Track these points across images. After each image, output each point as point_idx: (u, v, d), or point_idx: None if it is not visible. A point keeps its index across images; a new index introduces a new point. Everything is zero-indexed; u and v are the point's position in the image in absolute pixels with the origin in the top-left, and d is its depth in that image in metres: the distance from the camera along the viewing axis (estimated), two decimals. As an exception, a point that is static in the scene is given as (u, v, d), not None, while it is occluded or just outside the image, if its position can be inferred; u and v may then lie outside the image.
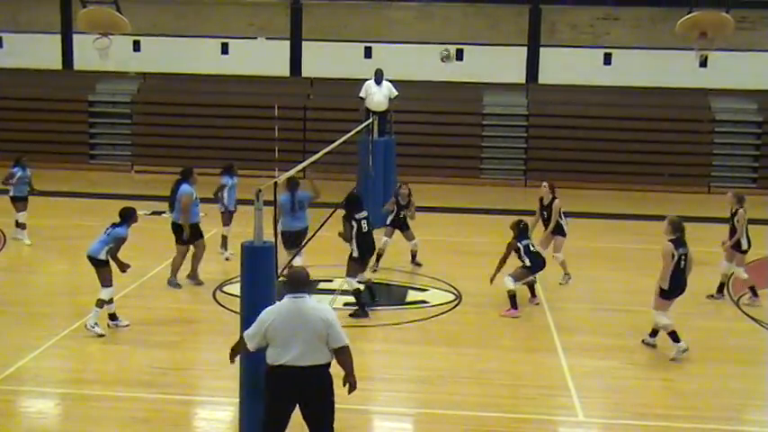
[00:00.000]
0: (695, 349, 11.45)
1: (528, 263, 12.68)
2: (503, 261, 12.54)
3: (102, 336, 11.26)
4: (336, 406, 9.38)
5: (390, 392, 10.03)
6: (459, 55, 25.71)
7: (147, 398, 9.54)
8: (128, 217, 11.45)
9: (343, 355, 7.38)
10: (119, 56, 23.76)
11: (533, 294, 13.14)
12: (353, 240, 12.62)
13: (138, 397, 9.55)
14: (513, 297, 12.50)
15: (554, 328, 12.10)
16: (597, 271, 15.14)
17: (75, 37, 26.17)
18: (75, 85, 26.57)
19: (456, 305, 13.10)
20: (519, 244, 12.63)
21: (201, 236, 13.80)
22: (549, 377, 10.39)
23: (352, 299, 13.12)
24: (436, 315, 12.63)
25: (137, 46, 26.36)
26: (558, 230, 14.25)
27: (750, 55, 24.87)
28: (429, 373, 10.40)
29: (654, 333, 11.34)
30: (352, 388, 7.52)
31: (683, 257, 10.94)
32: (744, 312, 13.10)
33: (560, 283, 14.33)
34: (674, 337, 10.98)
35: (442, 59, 18.15)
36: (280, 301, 7.41)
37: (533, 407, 9.55)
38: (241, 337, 7.50)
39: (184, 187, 13.46)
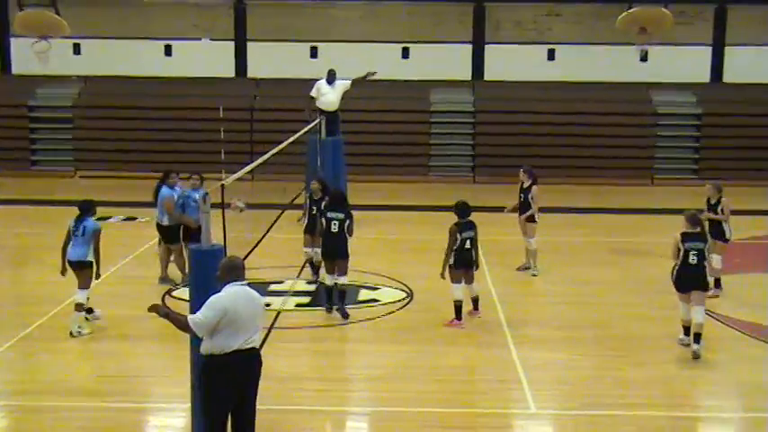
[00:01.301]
0: (644, 338, 11.67)
1: (452, 260, 11.98)
2: (449, 252, 12.01)
3: (90, 333, 11.41)
4: (293, 407, 9.38)
5: (345, 392, 10.04)
6: (405, 53, 25.79)
7: (95, 407, 9.40)
8: (90, 207, 11.58)
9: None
10: (59, 59, 23.39)
11: (475, 308, 12.39)
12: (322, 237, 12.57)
13: (86, 406, 9.40)
14: (458, 308, 12.01)
15: (505, 323, 12.20)
16: (545, 264, 15.27)
17: (13, 41, 25.73)
18: (14, 90, 26.08)
19: (408, 303, 13.14)
20: (459, 236, 11.90)
21: (179, 239, 13.78)
22: (501, 371, 10.48)
23: (303, 300, 13.13)
24: (388, 313, 12.65)
25: (77, 49, 25.97)
26: (530, 217, 14.57)
27: (689, 49, 25.34)
28: (383, 372, 10.43)
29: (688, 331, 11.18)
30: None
31: (692, 252, 10.88)
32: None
33: (533, 275, 14.63)
34: (686, 330, 11.13)
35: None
36: (223, 289, 7.35)
37: (487, 401, 9.64)
38: (176, 320, 7.31)
39: (164, 191, 13.67)
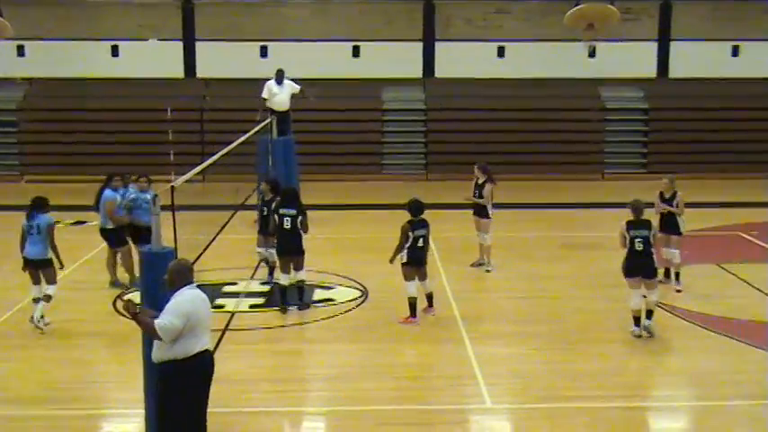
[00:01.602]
0: (597, 331, 11.81)
1: (405, 258, 11.96)
2: (399, 249, 12.00)
3: (47, 324, 11.50)
4: (248, 409, 9.34)
5: (301, 392, 10.01)
6: (356, 51, 25.77)
7: (47, 415, 9.25)
8: (43, 203, 11.60)
9: None
10: (2, 62, 22.99)
11: (430, 305, 12.36)
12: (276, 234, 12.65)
13: (38, 415, 9.24)
14: (411, 305, 12.05)
15: (460, 319, 12.27)
16: (499, 260, 15.38)
17: (-44, 44, 25.21)
18: (-43, 94, 25.59)
19: (363, 301, 13.14)
20: (410, 234, 11.90)
21: (127, 242, 13.63)
22: (456, 367, 10.53)
23: (257, 301, 13.08)
24: (343, 312, 12.65)
25: (21, 51, 25.49)
26: (484, 213, 14.65)
27: (635, 45, 25.68)
28: (339, 371, 10.42)
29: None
30: None
31: (637, 239, 11.21)
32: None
33: (487, 271, 14.74)
34: (636, 320, 11.40)
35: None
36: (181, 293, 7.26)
37: (443, 397, 9.69)
38: (144, 323, 7.21)
39: (106, 193, 13.54)
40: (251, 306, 12.90)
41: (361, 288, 13.70)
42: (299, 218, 12.42)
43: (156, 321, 7.10)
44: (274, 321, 12.27)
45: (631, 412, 9.39)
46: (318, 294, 13.47)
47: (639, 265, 11.29)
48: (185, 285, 7.28)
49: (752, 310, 12.76)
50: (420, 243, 11.98)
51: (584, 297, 13.43)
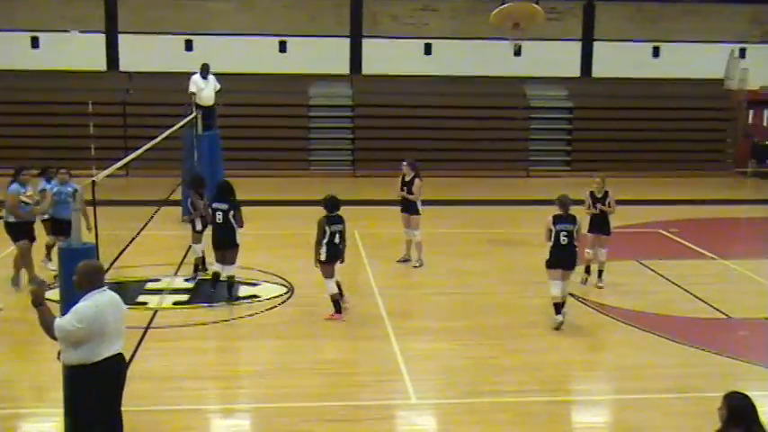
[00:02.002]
0: (520, 327, 11.97)
1: (323, 256, 11.99)
2: (318, 244, 12.01)
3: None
4: (174, 407, 9.21)
5: (226, 389, 9.92)
6: (283, 47, 25.62)
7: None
8: None
9: None
10: None
11: (338, 311, 12.18)
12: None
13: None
14: (335, 301, 12.12)
15: (386, 315, 12.31)
16: (424, 256, 15.49)
17: None
18: None
19: (288, 298, 13.09)
20: (327, 228, 11.94)
21: (26, 237, 13.26)
22: (382, 363, 10.57)
23: (181, 297, 12.92)
24: (269, 309, 12.58)
25: (-62, 42, 24.73)
26: (414, 209, 14.66)
27: (560, 44, 26.10)
28: (264, 368, 10.37)
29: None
30: None
31: (562, 233, 11.55)
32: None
33: (416, 266, 14.80)
34: (557, 308, 11.75)
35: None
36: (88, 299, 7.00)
37: (368, 393, 9.70)
38: (44, 316, 6.94)
39: (11, 187, 13.16)
40: (175, 303, 12.73)
41: (287, 284, 13.64)
42: (231, 212, 12.53)
43: (57, 320, 6.89)
44: (199, 318, 12.13)
45: (554, 406, 9.54)
46: (244, 291, 13.36)
47: (563, 258, 11.64)
48: (94, 288, 6.99)
49: (671, 306, 13.10)
50: (336, 239, 12.02)
51: (509, 293, 13.61)
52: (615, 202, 13.67)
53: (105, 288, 7.11)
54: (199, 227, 13.57)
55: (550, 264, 11.73)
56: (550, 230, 11.64)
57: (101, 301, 6.99)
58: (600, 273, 13.82)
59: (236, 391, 9.91)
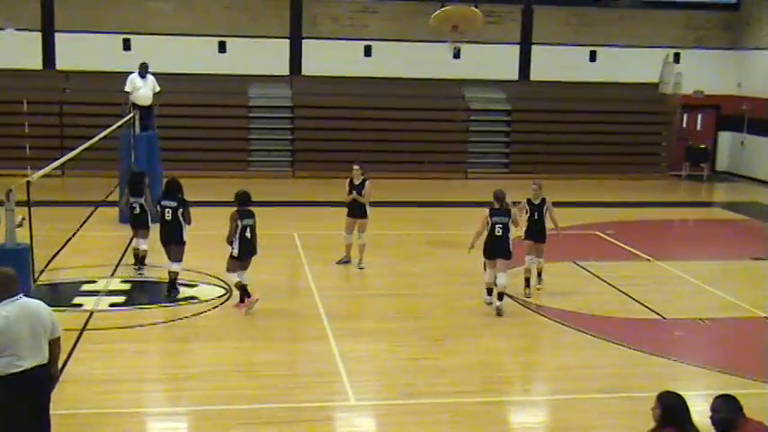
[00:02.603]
0: (459, 327, 12.05)
1: (236, 251, 12.17)
2: (231, 237, 12.16)
3: None
4: (110, 410, 9.07)
5: (162, 392, 9.81)
6: (222, 47, 25.41)
7: None
8: None
9: (56, 345, 7.09)
10: None
11: (247, 295, 12.38)
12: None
13: None
14: (242, 288, 12.33)
15: (324, 316, 12.28)
16: (364, 257, 15.53)
17: None
18: None
19: (227, 299, 12.97)
20: (239, 222, 12.14)
21: None
22: (321, 364, 10.54)
23: (118, 299, 12.75)
24: (207, 310, 12.46)
25: None
26: (363, 212, 14.62)
27: (499, 47, 26.34)
28: (201, 370, 10.26)
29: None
30: (54, 378, 7.32)
31: (497, 225, 12.41)
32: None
33: (360, 268, 14.76)
34: (488, 291, 12.73)
35: None
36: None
37: (307, 394, 9.67)
38: None
39: None
40: (111, 305, 12.54)
41: (226, 286, 13.52)
42: (180, 209, 12.69)
43: None
44: (136, 320, 11.97)
45: (493, 407, 9.62)
46: (181, 292, 13.20)
47: (497, 248, 12.40)
48: (6, 298, 6.68)
49: (607, 307, 13.31)
50: (248, 233, 12.18)
51: (447, 294, 13.68)
52: (553, 208, 13.55)
53: (20, 296, 6.80)
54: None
55: (487, 253, 12.53)
56: (487, 222, 12.40)
57: (11, 311, 6.68)
58: (539, 273, 13.90)
59: (174, 394, 9.80)
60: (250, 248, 12.30)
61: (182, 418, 9.28)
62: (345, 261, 15.05)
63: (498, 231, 12.37)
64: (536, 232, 13.53)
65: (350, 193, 14.64)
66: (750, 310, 13.25)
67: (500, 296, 12.55)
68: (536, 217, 13.43)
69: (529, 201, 13.54)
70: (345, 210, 14.86)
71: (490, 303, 12.70)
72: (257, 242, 12.44)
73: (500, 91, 26.62)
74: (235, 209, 12.27)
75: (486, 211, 12.49)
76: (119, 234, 15.69)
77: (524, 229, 13.51)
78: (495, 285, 12.60)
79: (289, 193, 21.91)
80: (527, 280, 13.53)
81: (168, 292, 12.80)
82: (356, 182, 14.67)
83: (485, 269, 12.85)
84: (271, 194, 21.31)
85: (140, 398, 9.57)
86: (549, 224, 13.65)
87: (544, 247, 13.65)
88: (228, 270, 12.34)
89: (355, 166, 14.82)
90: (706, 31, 27.60)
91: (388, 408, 9.47)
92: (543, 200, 13.52)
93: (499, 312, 12.43)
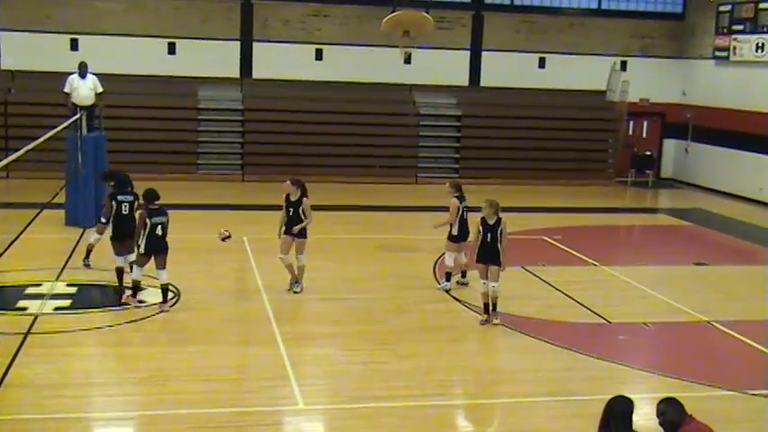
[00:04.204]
0: (408, 332, 12.09)
1: (142, 248, 12.35)
2: (138, 234, 12.34)
3: None
4: (55, 416, 8.93)
5: (109, 397, 9.66)
6: (172, 49, 25.19)
7: None
8: None
9: None
10: None
11: (164, 300, 12.46)
12: (110, 220, 13.00)
13: None
14: (135, 286, 12.60)
15: (273, 320, 12.24)
16: (310, 261, 15.49)
17: None
18: None
19: (175, 303, 12.86)
20: (147, 221, 12.27)
21: None
22: (269, 368, 10.50)
23: (63, 303, 12.55)
24: (155, 314, 12.33)
25: None
26: (302, 232, 13.46)
27: (449, 53, 26.50)
28: (148, 374, 10.15)
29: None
30: None
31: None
32: (449, 294, 13.92)
33: (295, 292, 13.59)
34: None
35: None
36: None
37: (255, 399, 9.62)
38: None
39: None
40: (56, 308, 12.34)
41: (174, 289, 13.39)
42: (136, 203, 12.97)
43: None
44: (82, 324, 11.79)
45: (442, 410, 9.66)
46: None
47: (487, 254, 12.25)
48: None
49: (554, 311, 13.45)
50: (159, 231, 12.29)
51: (397, 298, 13.71)
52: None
53: None
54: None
55: (479, 260, 12.43)
56: (479, 231, 12.30)
57: None
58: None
59: (120, 399, 9.66)
60: (160, 246, 12.36)
61: (129, 423, 9.17)
62: (296, 282, 13.79)
63: (489, 238, 12.23)
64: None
65: (287, 210, 13.44)
66: (692, 315, 13.50)
67: (493, 305, 12.42)
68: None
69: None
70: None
71: (484, 323, 12.34)
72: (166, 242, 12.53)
73: (450, 96, 26.78)
74: (144, 208, 12.47)
75: (478, 219, 12.39)
76: (65, 236, 15.47)
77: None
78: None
79: (238, 197, 21.80)
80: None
81: (120, 285, 12.97)
82: (292, 198, 13.42)
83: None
84: (220, 198, 21.23)
85: (86, 403, 9.43)
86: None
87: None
88: (137, 264, 12.49)
89: (287, 182, 13.50)
90: (652, 39, 28.10)
91: (337, 412, 9.47)
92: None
93: (496, 320, 12.39)
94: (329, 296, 13.74)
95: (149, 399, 9.52)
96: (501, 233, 12.28)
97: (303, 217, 13.39)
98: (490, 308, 12.46)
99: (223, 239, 14.04)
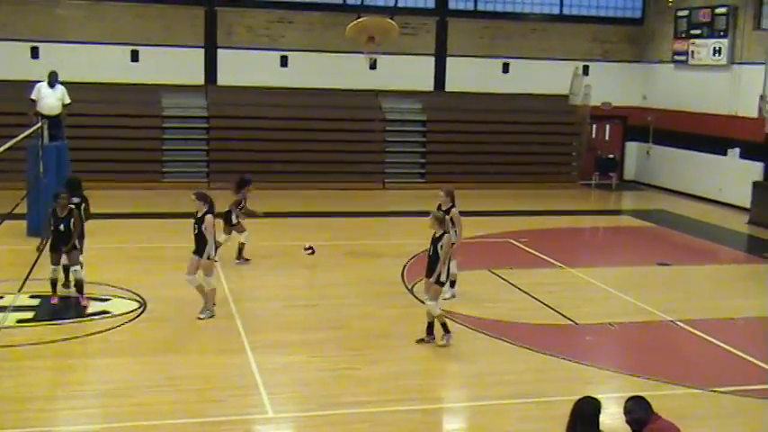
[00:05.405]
0: (378, 337, 12.09)
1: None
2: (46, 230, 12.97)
3: None
4: (20, 430, 8.80)
5: (74, 410, 9.53)
6: (135, 56, 24.99)
7: None
8: None
9: None
10: None
11: (80, 292, 13.05)
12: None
13: None
14: (53, 284, 12.85)
15: (242, 328, 12.18)
16: (278, 268, 15.45)
17: None
18: None
19: (141, 313, 12.74)
20: (51, 221, 12.87)
21: None
22: (238, 377, 10.43)
23: (25, 315, 12.39)
24: (120, 325, 12.21)
25: None
26: (201, 250, 12.32)
27: (414, 58, 26.58)
28: (115, 386, 10.04)
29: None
30: None
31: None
32: (418, 299, 13.94)
33: (199, 317, 12.49)
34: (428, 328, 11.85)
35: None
36: None
37: (224, 408, 9.55)
38: None
39: None
40: (18, 321, 12.17)
41: (139, 299, 13.29)
42: (83, 205, 13.15)
43: None
44: (46, 336, 11.65)
45: (413, 415, 9.66)
46: (93, 307, 12.92)
47: (429, 268, 11.66)
48: None
49: (522, 314, 13.52)
50: (62, 228, 12.66)
51: (365, 304, 13.70)
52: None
53: None
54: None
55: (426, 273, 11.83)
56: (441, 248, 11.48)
57: None
58: (452, 283, 13.45)
59: (86, 411, 9.54)
60: (57, 243, 12.79)
61: (94, 435, 9.08)
62: (204, 309, 12.60)
63: (431, 250, 11.57)
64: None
65: (193, 227, 12.35)
66: (656, 314, 13.65)
67: (442, 325, 11.71)
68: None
69: (439, 207, 12.88)
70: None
71: (419, 340, 11.79)
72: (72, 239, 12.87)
73: (416, 101, 26.85)
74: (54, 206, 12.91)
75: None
76: (26, 248, 15.27)
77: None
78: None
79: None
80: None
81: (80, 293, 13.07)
82: (199, 214, 12.33)
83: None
84: (186, 206, 21.04)
85: (50, 416, 9.31)
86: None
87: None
88: (51, 262, 12.84)
89: (192, 196, 12.56)
90: (612, 44, 28.39)
91: (307, 419, 9.44)
92: (450, 209, 12.95)
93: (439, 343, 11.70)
94: (297, 303, 13.69)
95: (115, 411, 9.41)
96: (452, 220, 12.42)
97: (206, 236, 12.21)
98: (437, 327, 11.75)
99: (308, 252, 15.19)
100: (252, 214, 15.97)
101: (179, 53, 25.16)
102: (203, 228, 12.20)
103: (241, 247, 15.72)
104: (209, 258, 12.33)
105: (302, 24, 26.01)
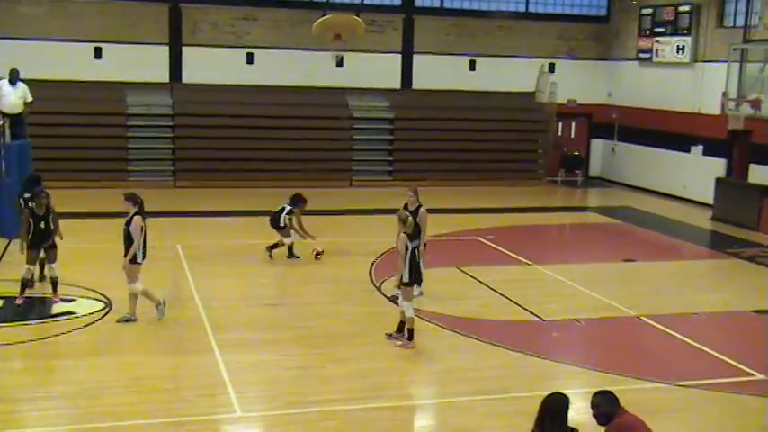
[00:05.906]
0: (344, 336, 12.08)
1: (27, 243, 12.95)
2: (25, 229, 12.88)
3: None
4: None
5: (39, 411, 9.43)
6: (98, 53, 24.74)
7: None
8: None
9: None
10: None
11: (54, 290, 13.09)
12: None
13: None
14: (23, 284, 12.85)
15: (209, 327, 12.12)
16: (245, 267, 15.36)
17: None
18: None
19: (106, 313, 12.63)
20: (30, 219, 12.91)
21: None
22: (206, 377, 10.39)
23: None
24: (86, 325, 12.09)
25: None
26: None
27: (381, 56, 26.58)
28: (81, 387, 9.95)
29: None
30: None
31: (415, 249, 11.63)
32: (386, 297, 13.95)
33: (123, 320, 12.21)
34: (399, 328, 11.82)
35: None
36: None
37: (191, 408, 9.50)
38: None
39: None
40: (-21, 323, 12.02)
41: (105, 300, 13.17)
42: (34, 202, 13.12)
43: None
44: (9, 338, 11.51)
45: (381, 412, 9.67)
46: (58, 308, 12.79)
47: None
48: None
49: (489, 310, 13.59)
50: (42, 225, 12.77)
51: (332, 302, 13.69)
52: (426, 220, 12.77)
53: None
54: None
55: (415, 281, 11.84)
56: (407, 247, 11.50)
57: None
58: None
59: (51, 413, 9.44)
60: (40, 242, 12.89)
61: (60, 436, 8.99)
62: (130, 318, 12.27)
63: (418, 257, 11.79)
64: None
65: (125, 230, 12.14)
66: (622, 310, 13.78)
67: (400, 328, 11.78)
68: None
69: (405, 206, 13.23)
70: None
71: (389, 337, 11.86)
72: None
73: (383, 99, 26.85)
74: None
75: (404, 235, 11.56)
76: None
77: None
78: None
79: (170, 204, 21.49)
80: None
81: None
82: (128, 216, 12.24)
83: None
84: (152, 205, 20.84)
85: (14, 418, 9.20)
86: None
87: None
88: (27, 262, 12.85)
89: (123, 198, 12.40)
90: (578, 42, 28.60)
91: (275, 418, 9.41)
92: (418, 208, 13.21)
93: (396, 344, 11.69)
94: (265, 302, 13.65)
95: (82, 412, 9.33)
96: (418, 221, 12.40)
97: (133, 237, 11.99)
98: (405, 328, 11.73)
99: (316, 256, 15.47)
100: (299, 229, 16.26)
101: (143, 50, 24.96)
102: (131, 229, 12.02)
103: (291, 246, 16.12)
104: (134, 261, 12.07)
105: (268, 21, 25.91)
